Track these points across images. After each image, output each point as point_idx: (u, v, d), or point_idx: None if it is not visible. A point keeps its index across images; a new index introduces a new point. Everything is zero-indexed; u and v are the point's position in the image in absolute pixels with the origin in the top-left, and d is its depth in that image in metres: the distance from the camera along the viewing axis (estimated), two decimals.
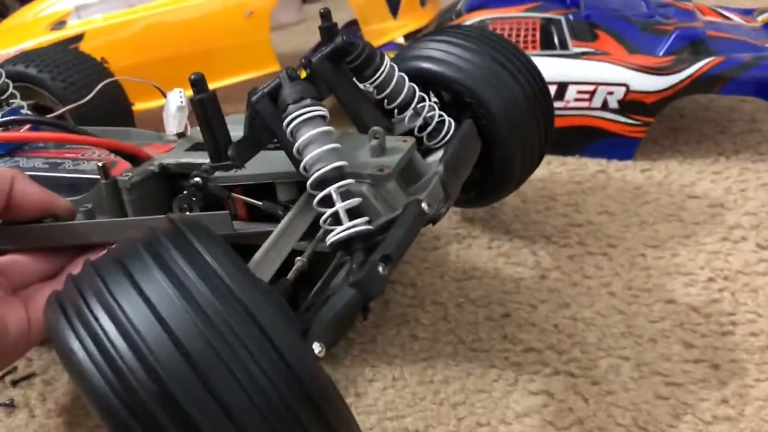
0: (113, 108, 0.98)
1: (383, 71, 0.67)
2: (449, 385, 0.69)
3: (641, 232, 0.91)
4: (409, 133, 0.71)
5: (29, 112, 0.90)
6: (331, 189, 0.52)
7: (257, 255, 0.51)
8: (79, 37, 1.21)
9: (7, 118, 0.71)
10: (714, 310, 0.77)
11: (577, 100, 1.05)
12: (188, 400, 0.34)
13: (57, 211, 0.60)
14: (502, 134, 0.74)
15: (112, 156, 0.68)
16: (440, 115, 0.72)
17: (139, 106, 1.19)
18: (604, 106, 1.04)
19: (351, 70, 0.67)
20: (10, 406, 0.71)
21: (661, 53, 1.04)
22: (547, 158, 1.09)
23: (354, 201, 0.53)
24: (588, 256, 0.87)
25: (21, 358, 0.71)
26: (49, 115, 0.91)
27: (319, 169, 0.52)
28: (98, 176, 0.63)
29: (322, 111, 0.54)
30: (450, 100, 0.80)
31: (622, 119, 1.04)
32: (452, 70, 0.75)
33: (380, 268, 0.49)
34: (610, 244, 0.89)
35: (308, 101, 0.53)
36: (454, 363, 0.72)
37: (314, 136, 0.53)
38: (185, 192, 0.62)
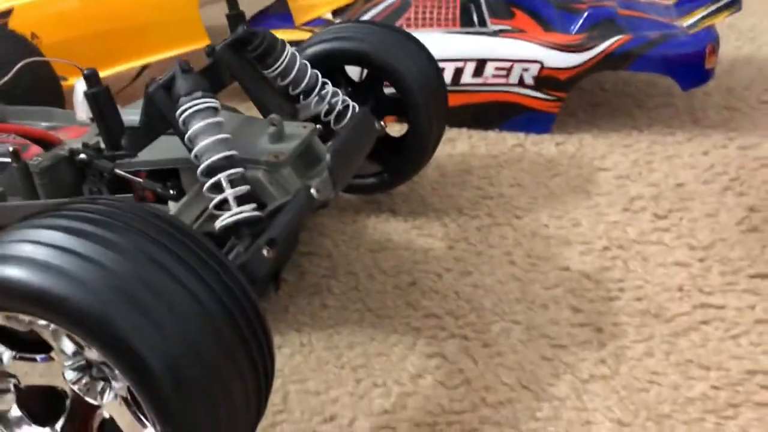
0: (39, 86, 0.99)
1: (285, 59, 0.71)
2: (352, 350, 0.74)
3: (548, 203, 0.96)
4: (316, 118, 0.75)
5: None
6: (221, 176, 0.56)
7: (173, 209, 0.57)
8: (7, 12, 1.21)
9: None
10: (605, 277, 0.82)
11: (495, 76, 1.09)
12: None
13: None
14: (419, 102, 0.81)
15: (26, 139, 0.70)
16: (344, 101, 0.76)
17: (71, 81, 1.20)
18: (521, 82, 1.08)
19: (254, 58, 0.71)
20: None
21: (574, 31, 1.08)
22: (468, 133, 1.14)
23: (242, 189, 0.57)
24: (495, 227, 0.92)
25: None
26: None
27: (208, 158, 0.56)
28: (9, 160, 0.66)
29: (213, 102, 0.57)
30: (363, 79, 0.85)
31: (538, 95, 1.09)
32: (366, 44, 0.81)
33: (265, 251, 0.54)
34: (516, 216, 0.94)
35: (199, 93, 0.57)
36: (359, 329, 0.77)
37: (204, 127, 0.56)
38: (93, 176, 0.65)
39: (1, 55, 0.95)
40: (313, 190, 0.60)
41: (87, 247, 0.40)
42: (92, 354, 0.41)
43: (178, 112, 0.57)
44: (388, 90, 0.86)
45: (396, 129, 0.92)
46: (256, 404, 0.46)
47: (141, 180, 0.65)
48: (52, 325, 0.41)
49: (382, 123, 0.85)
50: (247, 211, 0.56)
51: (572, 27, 1.08)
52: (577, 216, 0.93)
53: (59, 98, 1.07)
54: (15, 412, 0.50)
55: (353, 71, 0.89)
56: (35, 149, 0.69)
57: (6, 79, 0.84)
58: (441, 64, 0.92)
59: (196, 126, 0.56)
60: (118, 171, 0.65)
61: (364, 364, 0.72)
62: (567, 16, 1.09)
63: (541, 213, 0.94)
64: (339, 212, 0.96)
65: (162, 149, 0.65)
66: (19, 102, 0.93)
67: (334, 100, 0.75)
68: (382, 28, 0.85)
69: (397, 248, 0.89)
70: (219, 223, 0.56)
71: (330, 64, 0.82)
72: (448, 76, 1.09)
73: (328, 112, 0.75)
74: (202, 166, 0.57)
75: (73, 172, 0.67)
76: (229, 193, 0.56)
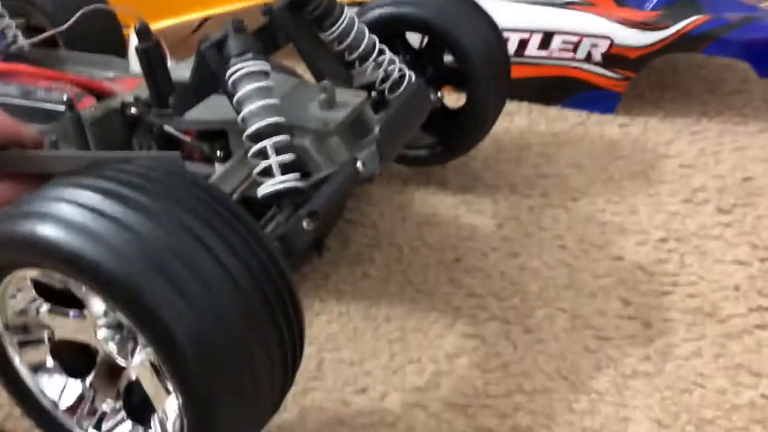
0: (101, 33, 1.00)
1: (342, 22, 0.69)
2: (389, 323, 0.73)
3: (606, 187, 0.93)
4: (370, 85, 0.73)
5: (17, 32, 0.92)
6: (266, 143, 0.55)
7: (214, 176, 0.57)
8: None
9: None
10: (659, 269, 0.79)
11: (561, 50, 1.05)
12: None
13: (22, 139, 0.63)
14: (479, 72, 0.78)
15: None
16: (401, 69, 0.74)
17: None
18: (588, 58, 1.04)
19: (311, 20, 0.69)
20: None
21: (649, 8, 1.03)
22: (527, 108, 1.10)
23: (287, 157, 0.55)
24: (548, 209, 0.89)
25: None
26: (36, 38, 0.93)
27: (255, 123, 0.55)
28: (64, 108, 0.66)
29: (264, 65, 0.56)
30: (423, 46, 0.82)
31: (605, 72, 1.04)
32: (426, 10, 0.78)
33: (305, 223, 0.53)
34: (572, 198, 0.91)
35: (250, 55, 0.55)
36: (398, 303, 0.75)
37: (252, 91, 0.55)
38: (143, 130, 0.65)
39: (66, 1, 0.96)
40: (359, 164, 0.58)
41: (124, 212, 0.40)
42: (122, 317, 0.41)
43: (228, 73, 0.56)
44: (449, 59, 0.83)
45: (454, 100, 0.89)
46: (282, 381, 0.46)
47: (188, 139, 0.64)
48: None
49: (438, 94, 0.83)
50: (291, 180, 0.55)
51: (647, 3, 1.03)
52: (636, 203, 0.89)
53: (121, 47, 1.07)
54: (49, 362, 0.50)
55: (414, 38, 0.86)
56: (89, 100, 0.69)
57: (67, 25, 0.85)
58: (505, 35, 0.89)
59: (244, 89, 0.55)
60: (167, 128, 0.64)
61: (400, 338, 0.71)
62: None
63: (598, 197, 0.91)
64: (387, 182, 0.94)
65: (213, 109, 0.64)
66: (82, 49, 0.94)
67: (390, 68, 0.73)
68: None
69: (443, 223, 0.87)
70: (261, 192, 0.55)
71: (389, 30, 0.80)
72: (511, 48, 1.05)
73: (384, 80, 0.73)
74: (248, 131, 0.55)
75: (124, 124, 0.67)
76: (273, 160, 0.55)
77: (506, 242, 0.83)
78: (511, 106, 1.10)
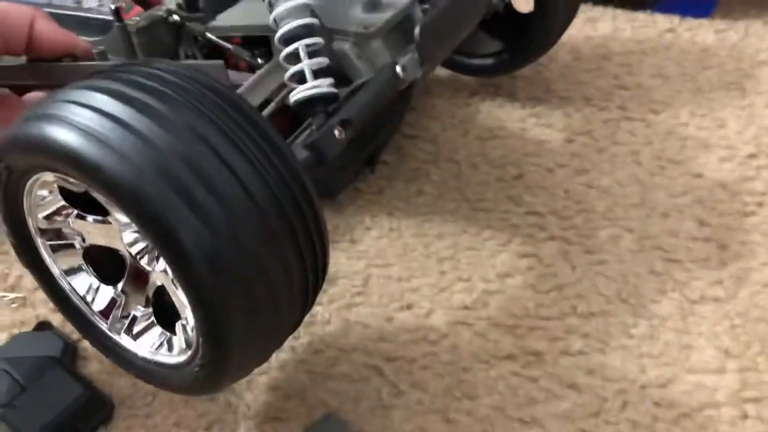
0: None
1: None
2: (441, 241, 0.70)
3: (693, 99, 0.84)
4: None
5: None
6: (299, 45, 0.52)
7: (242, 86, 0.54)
8: None
9: None
10: (743, 188, 0.72)
11: None
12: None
13: (75, 51, 0.63)
14: None
15: None
16: None
17: None
18: None
19: None
20: None
21: None
22: (613, 12, 1.01)
23: (321, 61, 0.52)
24: (625, 121, 0.82)
25: None
26: None
27: (286, 24, 0.52)
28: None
29: None
30: None
31: None
32: None
33: (336, 132, 0.50)
34: (653, 110, 0.83)
35: None
36: (452, 220, 0.72)
37: None
38: (187, 39, 0.63)
39: None
40: (398, 68, 0.54)
41: (132, 115, 0.38)
42: None
43: None
44: None
45: (523, 2, 0.81)
46: (301, 302, 0.44)
47: (230, 47, 0.62)
48: None
49: None
50: (324, 86, 0.52)
51: None
52: (725, 116, 0.81)
53: None
54: (83, 267, 0.51)
55: None
56: (137, 9, 0.68)
57: None
58: None
59: None
60: (209, 35, 0.62)
61: (451, 256, 0.68)
62: None
63: (682, 110, 0.83)
64: (452, 93, 0.89)
65: (252, 13, 0.61)
66: None
67: None
68: None
69: (508, 137, 0.82)
70: (293, 97, 0.52)
71: None
72: None
73: None
74: (279, 33, 0.52)
75: (170, 33, 0.66)
76: (305, 63, 0.52)
77: (575, 158, 0.78)
78: (593, 11, 1.01)
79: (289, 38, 0.52)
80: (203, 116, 0.40)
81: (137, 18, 0.65)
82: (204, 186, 0.38)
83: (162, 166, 0.37)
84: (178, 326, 0.47)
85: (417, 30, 0.55)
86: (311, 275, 0.44)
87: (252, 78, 0.56)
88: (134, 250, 0.48)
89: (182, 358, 0.47)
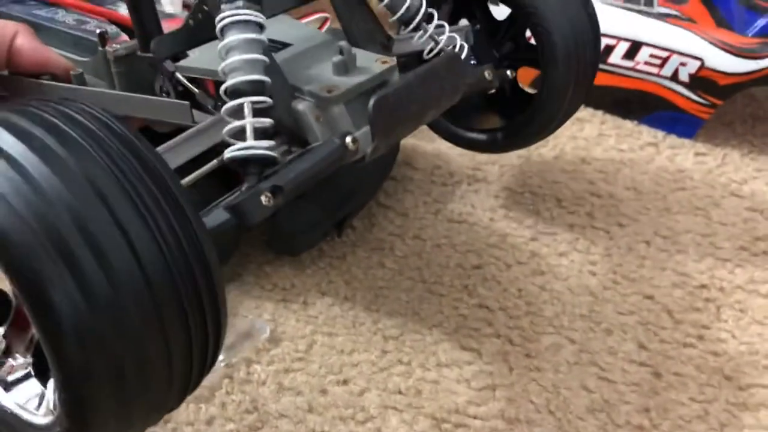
0: None
1: None
2: (391, 319, 0.72)
3: (659, 218, 0.87)
4: (418, 54, 0.67)
5: None
6: (244, 101, 0.49)
7: (168, 143, 0.51)
8: None
9: None
10: (688, 318, 0.74)
11: (647, 63, 0.98)
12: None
13: (54, 70, 0.64)
14: (559, 56, 0.69)
15: None
16: (451, 39, 0.65)
17: None
18: (674, 77, 0.97)
19: None
20: None
21: (750, 33, 0.94)
22: (601, 118, 1.04)
23: (264, 120, 0.50)
24: (590, 230, 0.85)
25: None
26: None
27: (233, 77, 0.50)
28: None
29: (257, 17, 0.51)
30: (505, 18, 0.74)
31: (690, 95, 0.97)
32: None
33: (263, 198, 0.46)
34: (619, 223, 0.86)
35: (242, 2, 0.50)
36: (405, 299, 0.74)
37: (238, 42, 0.50)
38: (162, 74, 0.62)
39: None
40: (348, 139, 0.51)
41: (24, 153, 0.35)
42: None
43: (217, 18, 0.51)
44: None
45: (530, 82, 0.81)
46: (182, 381, 0.40)
47: (196, 91, 0.60)
48: None
49: (512, 73, 0.75)
50: (261, 147, 0.49)
51: (750, 28, 0.94)
52: (686, 241, 0.84)
53: None
54: None
55: (499, 11, 0.77)
56: (123, 38, 0.69)
57: None
58: None
59: (229, 38, 0.50)
60: (177, 75, 0.60)
61: (397, 336, 0.70)
62: (748, 14, 0.95)
63: (646, 227, 0.85)
64: (432, 169, 0.92)
65: (215, 57, 0.60)
66: None
67: (439, 37, 0.64)
68: None
69: (476, 224, 0.84)
70: (227, 154, 0.49)
71: None
72: None
73: (432, 52, 0.64)
74: (224, 85, 0.50)
75: (147, 67, 0.63)
76: (248, 121, 0.49)
77: (534, 258, 0.80)
78: (584, 112, 1.04)
79: (234, 92, 0.50)
80: (105, 168, 0.36)
81: (117, 46, 0.66)
82: (89, 245, 0.34)
83: (45, 215, 0.33)
84: (49, 384, 0.43)
85: (371, 102, 0.52)
86: (197, 356, 0.40)
87: (188, 131, 0.54)
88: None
89: (45, 420, 0.42)
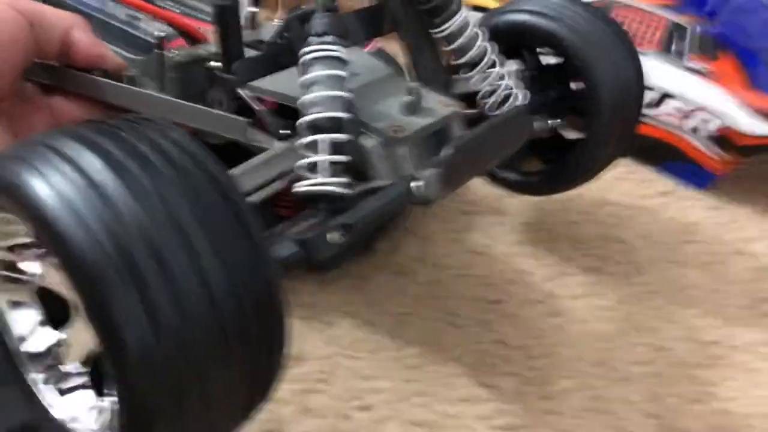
0: None
1: (456, 20, 0.64)
2: (412, 347, 0.72)
3: (668, 270, 0.89)
4: (471, 96, 0.69)
5: None
6: (320, 137, 0.50)
7: (240, 167, 0.51)
8: None
9: None
10: (696, 374, 0.76)
11: (669, 115, 1.00)
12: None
13: (106, 67, 0.63)
14: (602, 107, 0.70)
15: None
16: (508, 87, 0.68)
17: None
18: (695, 131, 0.99)
19: (424, 12, 0.64)
20: None
21: None
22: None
23: (340, 158, 0.51)
24: (604, 276, 0.86)
25: None
26: None
27: (313, 113, 0.51)
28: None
29: (341, 53, 0.52)
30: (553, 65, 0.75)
31: (707, 151, 0.99)
32: (560, 26, 0.70)
33: (331, 235, 0.47)
34: (631, 271, 0.87)
35: (330, 38, 0.52)
36: (425, 328, 0.74)
37: (320, 77, 0.51)
38: (219, 86, 0.62)
39: None
40: (414, 185, 0.52)
41: (107, 177, 0.35)
42: None
43: (301, 52, 0.52)
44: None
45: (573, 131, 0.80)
46: (242, 413, 0.41)
47: (259, 109, 0.59)
48: None
49: (550, 121, 0.75)
50: (333, 184, 0.50)
51: None
52: (694, 296, 0.86)
53: None
54: (28, 303, 0.47)
55: (549, 57, 0.77)
56: (180, 41, 0.68)
57: None
58: None
59: (312, 73, 0.51)
60: (240, 91, 0.60)
61: (418, 366, 0.70)
62: None
63: (657, 278, 0.87)
64: (459, 197, 0.92)
65: (293, 83, 0.58)
66: None
67: (497, 83, 0.66)
68: (587, 11, 0.72)
69: (496, 257, 0.85)
70: (299, 187, 0.50)
71: (517, 40, 0.73)
72: None
73: (487, 96, 0.67)
74: (303, 119, 0.51)
75: (204, 76, 0.63)
76: (323, 158, 0.50)
77: (551, 298, 0.81)
78: None
79: (313, 127, 0.51)
80: (187, 201, 0.36)
81: (177, 51, 0.65)
82: (162, 276, 0.34)
83: (124, 244, 0.33)
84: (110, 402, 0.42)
85: (445, 151, 0.54)
86: (257, 391, 0.40)
87: (260, 157, 0.54)
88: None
89: None
